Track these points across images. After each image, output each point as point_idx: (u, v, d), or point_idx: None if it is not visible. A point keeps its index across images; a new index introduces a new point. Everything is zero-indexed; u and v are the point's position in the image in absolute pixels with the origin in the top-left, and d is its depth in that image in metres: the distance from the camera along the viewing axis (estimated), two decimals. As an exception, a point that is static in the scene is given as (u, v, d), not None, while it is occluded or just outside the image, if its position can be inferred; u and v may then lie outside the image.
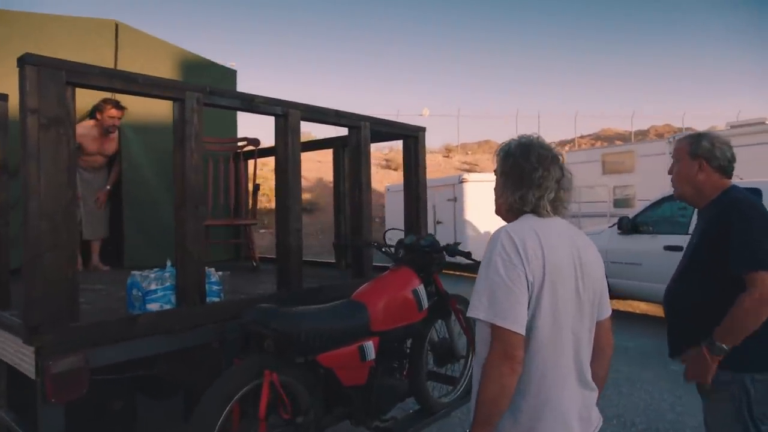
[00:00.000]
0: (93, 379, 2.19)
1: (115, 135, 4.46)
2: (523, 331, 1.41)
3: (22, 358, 2.12)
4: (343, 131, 3.58)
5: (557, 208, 1.59)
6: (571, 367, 1.51)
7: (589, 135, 33.16)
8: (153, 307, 2.46)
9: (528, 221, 1.56)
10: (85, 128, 4.27)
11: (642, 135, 29.32)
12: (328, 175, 4.74)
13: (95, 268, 4.41)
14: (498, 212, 1.70)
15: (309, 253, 15.86)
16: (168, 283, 2.51)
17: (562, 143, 31.81)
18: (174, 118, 2.49)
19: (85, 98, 4.01)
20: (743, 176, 7.41)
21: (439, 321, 3.06)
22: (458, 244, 2.82)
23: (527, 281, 1.44)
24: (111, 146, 4.49)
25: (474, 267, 2.87)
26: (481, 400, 1.44)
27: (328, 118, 3.19)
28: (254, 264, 4.46)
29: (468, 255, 2.74)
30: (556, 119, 45.66)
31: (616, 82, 57.16)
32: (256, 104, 2.78)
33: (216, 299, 2.67)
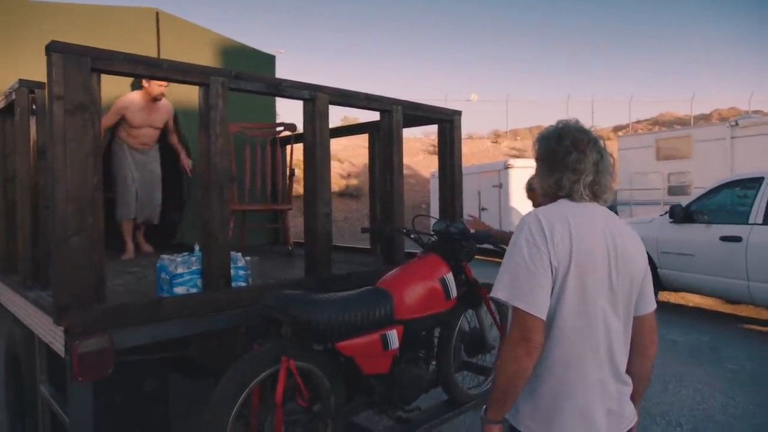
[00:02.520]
0: (126, 359, 2.24)
1: (164, 104, 4.35)
2: (542, 315, 1.40)
3: (55, 336, 2.18)
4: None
5: (596, 192, 1.55)
6: (600, 358, 1.46)
7: (646, 120, 31.81)
8: (179, 290, 2.49)
9: (561, 206, 1.53)
10: (130, 99, 4.15)
11: (704, 119, 27.90)
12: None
13: (139, 248, 4.44)
14: (538, 198, 1.67)
15: (354, 239, 16.00)
16: (194, 267, 2.53)
17: (617, 128, 30.67)
18: (199, 102, 2.49)
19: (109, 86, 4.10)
20: None
21: (470, 311, 2.98)
22: (489, 231, 2.72)
23: (551, 266, 1.41)
24: (160, 117, 4.37)
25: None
26: (497, 379, 1.44)
27: (358, 102, 3.14)
28: (289, 249, 4.48)
29: (496, 243, 2.65)
30: (611, 104, 43.92)
31: (675, 64, 54.44)
32: (282, 88, 2.75)
33: (242, 284, 2.68)
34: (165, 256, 2.62)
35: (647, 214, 11.34)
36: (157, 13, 4.54)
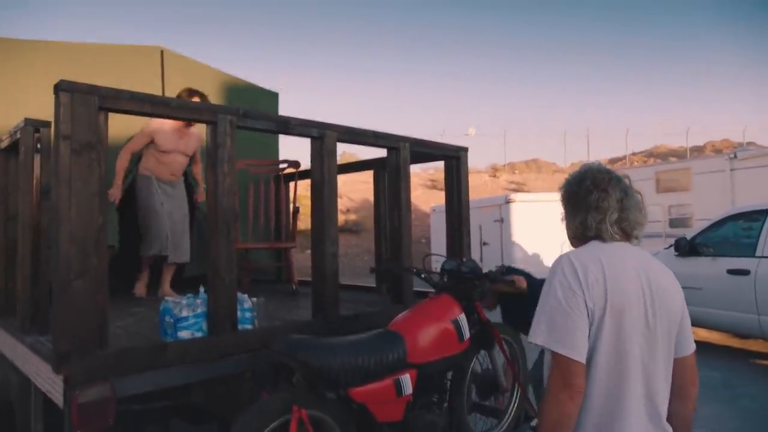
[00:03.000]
0: (126, 409, 2.14)
1: (195, 130, 4.08)
2: (582, 359, 1.39)
3: (53, 385, 2.09)
4: (384, 152, 3.50)
5: (625, 229, 1.54)
6: (638, 401, 1.43)
7: (641, 152, 32.10)
8: (184, 334, 2.40)
9: (592, 247, 1.53)
10: (160, 123, 3.83)
11: (698, 151, 28.14)
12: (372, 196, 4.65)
13: (161, 291, 3.99)
14: (570, 241, 1.67)
15: (353, 275, 15.88)
16: (200, 310, 2.45)
17: (613, 161, 30.88)
18: (206, 141, 2.46)
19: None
20: None
21: (482, 352, 2.88)
22: (502, 269, 2.65)
23: (587, 308, 1.41)
24: (191, 143, 4.10)
25: (522, 295, 2.71)
26: (542, 426, 1.42)
27: (366, 140, 3.11)
28: (293, 288, 4.39)
29: (512, 283, 2.58)
30: (606, 137, 44.40)
31: (670, 97, 55.30)
32: (291, 126, 2.72)
33: (249, 326, 2.59)
34: (169, 299, 2.54)
35: (649, 247, 11.29)
36: (162, 52, 4.56)
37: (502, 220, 10.98)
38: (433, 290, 2.72)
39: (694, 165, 11.66)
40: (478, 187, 23.43)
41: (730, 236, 6.54)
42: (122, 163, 3.82)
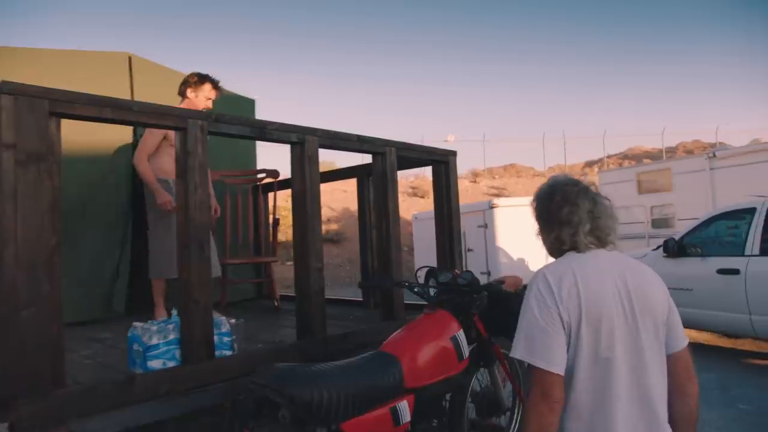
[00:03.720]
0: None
1: None
2: (559, 371, 1.42)
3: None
4: (367, 158, 3.28)
5: (600, 237, 1.57)
6: (631, 406, 1.44)
7: (616, 154, 32.38)
8: (155, 364, 2.15)
9: (567, 259, 1.56)
10: None
11: (670, 152, 28.47)
12: (355, 205, 4.43)
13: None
14: (548, 255, 1.68)
15: (336, 285, 15.57)
16: (172, 337, 2.21)
17: (589, 164, 31.12)
18: (176, 148, 2.22)
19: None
20: None
21: (482, 369, 2.68)
22: (501, 281, 2.45)
23: (563, 321, 1.44)
24: None
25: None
26: None
27: (350, 145, 2.90)
28: (275, 304, 4.15)
29: (513, 296, 2.38)
30: (583, 139, 44.73)
31: (643, 99, 56.05)
32: (268, 131, 2.50)
33: (227, 352, 2.35)
34: (137, 324, 2.29)
35: (632, 248, 11.26)
36: (130, 58, 4.30)
37: (486, 226, 10.84)
38: (425, 304, 2.51)
39: (675, 165, 11.69)
40: (459, 193, 23.31)
41: (718, 235, 6.45)
42: (147, 167, 3.36)
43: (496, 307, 2.45)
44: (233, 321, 2.55)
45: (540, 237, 1.68)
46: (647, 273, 1.57)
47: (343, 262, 18.18)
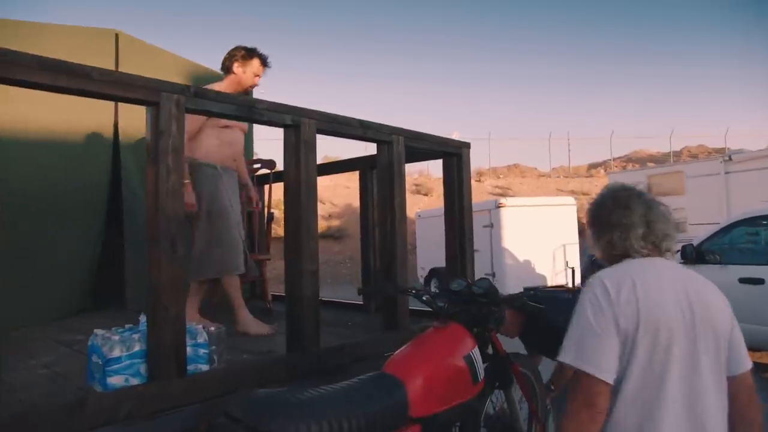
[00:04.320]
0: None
1: None
2: (608, 379, 1.36)
3: None
4: (370, 149, 2.94)
5: (655, 243, 1.52)
6: (678, 423, 1.36)
7: (620, 157, 31.94)
8: (115, 381, 1.82)
9: (624, 265, 1.50)
10: (218, 89, 2.87)
11: (675, 156, 28.03)
12: (357, 201, 4.08)
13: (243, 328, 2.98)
14: (605, 260, 1.62)
15: (337, 282, 15.24)
16: (137, 348, 1.87)
17: (593, 165, 30.71)
18: (147, 127, 1.89)
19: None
20: None
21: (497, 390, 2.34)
22: (531, 291, 2.09)
23: (618, 327, 1.38)
24: None
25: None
26: None
27: (352, 131, 2.56)
28: (267, 306, 3.82)
29: (539, 309, 2.04)
30: (586, 141, 44.24)
31: (646, 101, 55.44)
32: (258, 111, 2.16)
33: (204, 366, 2.02)
34: (99, 332, 1.96)
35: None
36: (117, 35, 3.99)
37: (492, 226, 10.49)
38: (436, 319, 2.16)
39: (687, 169, 11.33)
40: (463, 192, 22.99)
41: (740, 242, 6.10)
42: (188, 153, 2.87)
43: (528, 323, 2.13)
44: (212, 329, 2.22)
45: (594, 245, 1.64)
46: (710, 286, 1.49)
47: (344, 259, 17.85)
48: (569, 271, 10.22)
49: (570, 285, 10.04)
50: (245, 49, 3.17)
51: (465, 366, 1.95)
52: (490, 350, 2.25)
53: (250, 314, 3.04)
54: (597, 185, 22.76)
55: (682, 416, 1.37)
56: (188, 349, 1.97)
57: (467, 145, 3.19)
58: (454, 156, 3.15)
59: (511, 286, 9.40)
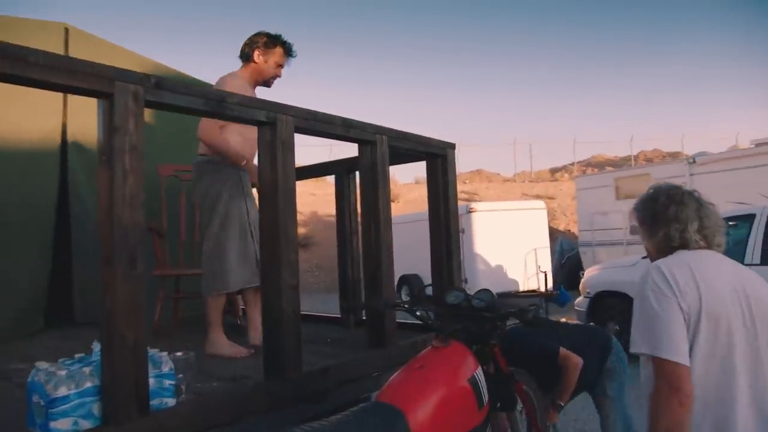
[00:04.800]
0: None
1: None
2: (687, 362, 1.37)
3: None
4: (345, 153, 2.71)
5: (707, 236, 1.56)
6: (749, 411, 1.40)
7: (580, 162, 32.49)
8: (61, 425, 1.52)
9: (680, 255, 1.55)
10: (234, 82, 2.77)
11: (633, 160, 28.64)
12: (324, 209, 3.83)
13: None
14: (652, 260, 1.64)
15: (305, 293, 14.87)
16: (89, 384, 1.58)
17: (554, 170, 31.12)
18: (98, 124, 1.61)
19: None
20: None
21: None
22: (538, 307, 1.87)
23: (683, 312, 1.41)
24: None
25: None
26: None
27: (333, 129, 2.32)
28: (238, 322, 3.53)
29: (554, 324, 1.82)
30: (546, 147, 44.86)
31: (607, 107, 56.73)
32: (228, 106, 1.90)
33: (170, 401, 1.74)
34: (41, 365, 1.65)
35: (610, 255, 10.94)
36: (67, 29, 3.67)
37: (463, 231, 10.35)
38: (434, 336, 1.94)
39: (654, 171, 11.47)
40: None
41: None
42: (225, 140, 2.69)
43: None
44: (180, 354, 1.95)
45: (646, 241, 1.67)
46: (760, 280, 1.55)
47: (311, 267, 17.49)
48: (541, 276, 10.17)
49: (542, 289, 9.98)
50: (268, 35, 2.89)
51: (470, 389, 1.73)
52: (490, 368, 2.04)
53: (224, 335, 2.76)
54: (561, 189, 23.05)
55: (747, 401, 1.40)
56: (151, 380, 1.69)
57: (452, 146, 2.99)
58: (438, 157, 2.94)
59: (484, 291, 9.27)
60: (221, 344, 2.70)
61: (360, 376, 2.25)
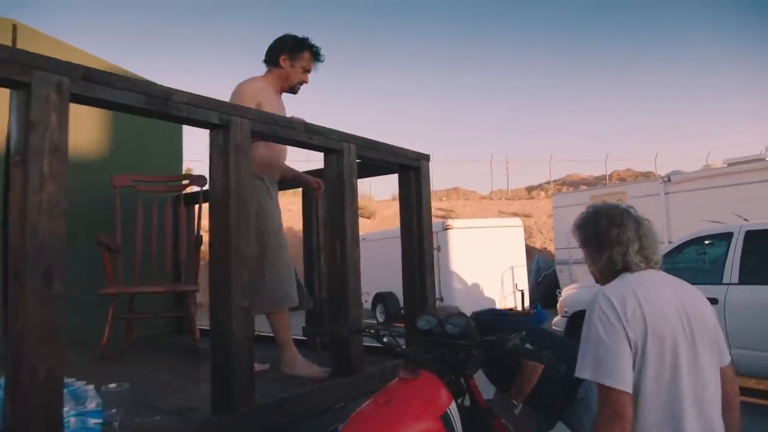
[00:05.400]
0: None
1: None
2: (630, 389, 1.42)
3: None
4: (314, 164, 2.50)
5: (647, 256, 1.59)
6: (695, 423, 1.45)
7: (555, 180, 32.87)
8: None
9: (624, 280, 1.57)
10: (255, 85, 2.61)
11: (605, 180, 29.04)
12: (301, 224, 3.62)
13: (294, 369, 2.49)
14: (596, 281, 1.70)
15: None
16: (-10, 426, 1.34)
17: (530, 188, 31.36)
18: (10, 117, 1.39)
19: None
20: (745, 215, 6.62)
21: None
22: (523, 334, 1.66)
23: (629, 340, 1.44)
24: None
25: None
26: None
27: (294, 135, 2.12)
28: (195, 344, 3.28)
29: (535, 355, 1.62)
30: (522, 165, 45.23)
31: (581, 127, 57.55)
32: (174, 105, 1.69)
33: (94, 442, 1.50)
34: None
35: (587, 274, 10.87)
36: (15, 26, 3.43)
37: (439, 248, 10.20)
38: (402, 366, 1.73)
39: (630, 189, 11.51)
40: (407, 214, 22.74)
41: (693, 261, 6.02)
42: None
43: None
44: (112, 387, 1.71)
45: (591, 265, 1.68)
46: (696, 291, 1.60)
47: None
48: (518, 294, 10.04)
49: (519, 308, 9.84)
50: (295, 38, 2.72)
51: (442, 428, 1.52)
52: (465, 401, 1.83)
53: (299, 354, 2.53)
54: (538, 207, 23.15)
55: (693, 414, 1.45)
56: (72, 419, 1.46)
57: (426, 157, 2.82)
58: (411, 169, 2.76)
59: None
60: (298, 363, 2.46)
61: (322, 409, 2.03)
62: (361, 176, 2.92)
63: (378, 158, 2.56)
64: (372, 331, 1.81)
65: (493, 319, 2.59)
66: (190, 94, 1.74)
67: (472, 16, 66.80)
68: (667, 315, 1.48)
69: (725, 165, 10.28)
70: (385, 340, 1.78)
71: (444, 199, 28.98)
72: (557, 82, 59.04)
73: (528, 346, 1.58)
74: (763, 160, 9.58)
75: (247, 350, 1.80)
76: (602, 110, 56.06)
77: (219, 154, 1.84)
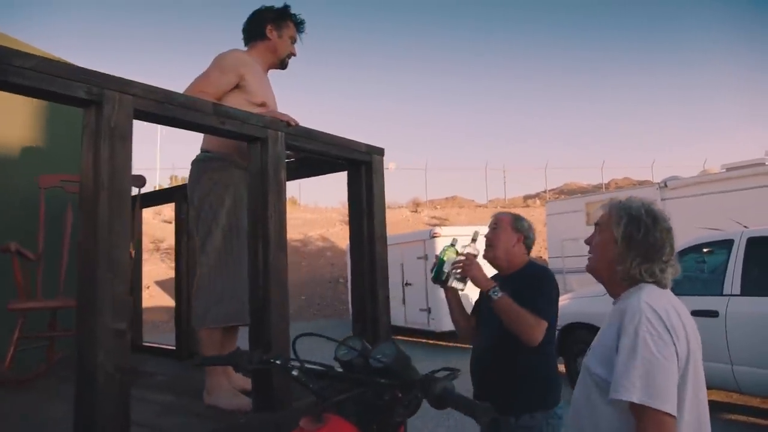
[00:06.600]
0: None
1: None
2: (676, 413, 1.31)
3: None
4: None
5: (671, 278, 1.51)
6: None
7: (552, 189, 32.51)
8: None
9: (659, 292, 1.44)
10: (242, 56, 2.38)
11: (604, 188, 28.72)
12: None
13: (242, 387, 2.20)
14: (608, 278, 1.52)
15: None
16: None
17: (528, 197, 31.05)
18: None
19: None
20: (744, 222, 6.25)
21: None
22: (451, 377, 1.23)
23: (678, 358, 1.33)
24: (273, 98, 2.52)
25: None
26: None
27: (199, 119, 1.73)
28: (45, 366, 2.88)
29: (473, 410, 1.18)
30: (520, 173, 44.82)
31: (579, 135, 57.22)
32: (14, 72, 1.31)
33: None
34: None
35: (582, 283, 10.49)
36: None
37: (426, 257, 9.81)
38: (313, 407, 1.33)
39: (626, 195, 11.15)
40: (400, 223, 22.42)
41: (691, 270, 5.62)
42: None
43: None
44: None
45: (618, 258, 1.48)
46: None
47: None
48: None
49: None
50: (275, 8, 2.47)
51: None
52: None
53: (226, 381, 2.15)
54: (533, 215, 22.79)
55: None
56: None
57: (380, 151, 2.43)
58: (361, 164, 2.37)
59: (448, 322, 8.71)
60: (222, 393, 2.08)
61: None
62: (304, 176, 2.55)
63: (317, 150, 2.17)
64: (277, 363, 1.41)
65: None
66: (42, 57, 1.35)
67: (470, 25, 66.81)
68: (696, 334, 1.42)
69: (724, 170, 9.92)
70: (293, 373, 1.38)
71: (439, 207, 28.65)
72: (556, 89, 58.99)
73: (460, 393, 1.15)
74: (764, 164, 9.22)
75: (119, 386, 1.40)
76: (599, 118, 55.96)
77: (89, 138, 1.46)
